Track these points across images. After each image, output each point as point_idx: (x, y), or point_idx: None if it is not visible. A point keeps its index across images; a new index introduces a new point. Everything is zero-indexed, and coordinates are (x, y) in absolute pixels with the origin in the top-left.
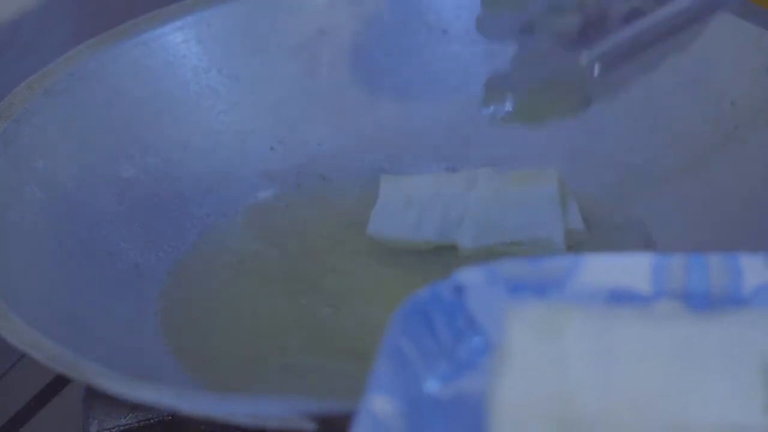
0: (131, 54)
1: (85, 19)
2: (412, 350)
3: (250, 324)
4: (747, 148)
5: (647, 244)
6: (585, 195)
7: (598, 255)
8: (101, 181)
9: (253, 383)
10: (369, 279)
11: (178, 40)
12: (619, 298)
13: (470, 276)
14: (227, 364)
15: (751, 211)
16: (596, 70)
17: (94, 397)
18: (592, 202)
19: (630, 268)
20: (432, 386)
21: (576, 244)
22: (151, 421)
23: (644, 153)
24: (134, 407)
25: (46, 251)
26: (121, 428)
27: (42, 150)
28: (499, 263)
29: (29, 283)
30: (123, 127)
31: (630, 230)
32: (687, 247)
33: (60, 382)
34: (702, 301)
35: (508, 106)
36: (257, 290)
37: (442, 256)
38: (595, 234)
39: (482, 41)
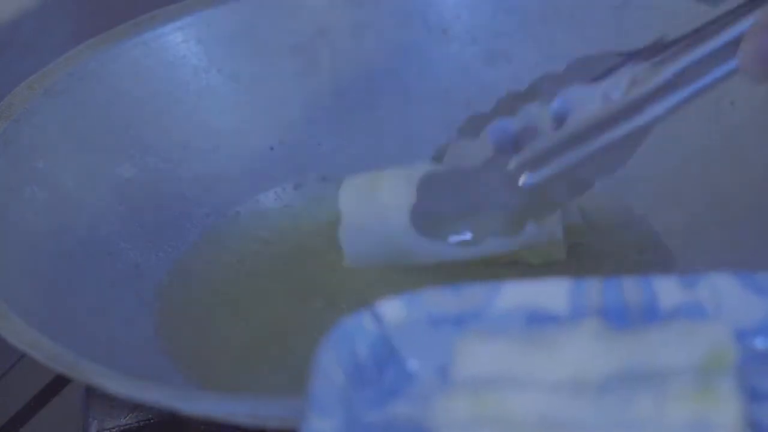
0: (131, 54)
1: (85, 19)
2: (341, 377)
3: (249, 324)
4: (747, 148)
5: (647, 243)
6: (585, 195)
7: (517, 281)
8: (101, 181)
9: (252, 383)
10: (369, 278)
11: (178, 40)
12: (537, 319)
13: (390, 307)
14: (227, 364)
15: (751, 210)
16: (523, 178)
17: (94, 397)
18: (592, 201)
19: (547, 292)
20: (362, 412)
21: (576, 244)
22: (151, 421)
23: (644, 153)
24: (134, 407)
25: (46, 251)
26: (121, 428)
27: (42, 150)
28: (419, 293)
29: (29, 283)
30: (123, 127)
31: (630, 230)
32: (687, 246)
33: (60, 382)
34: (620, 318)
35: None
36: (257, 290)
37: None
38: (596, 234)
39: (482, 41)
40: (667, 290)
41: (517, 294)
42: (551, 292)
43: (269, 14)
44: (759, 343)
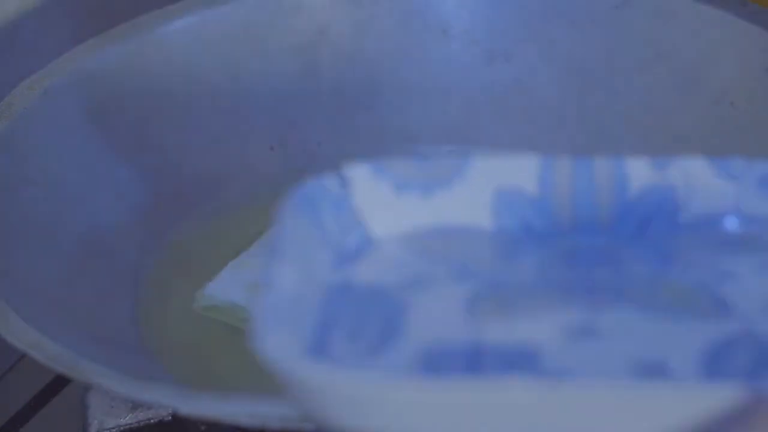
0: (131, 54)
1: (85, 19)
2: (302, 234)
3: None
4: (747, 149)
5: None
6: None
7: (485, 156)
8: (101, 181)
9: (251, 385)
10: None
11: (178, 40)
12: (506, 196)
13: (356, 170)
14: (227, 364)
15: None
16: None
17: (94, 397)
18: None
19: (517, 169)
20: (321, 271)
21: None
22: (151, 421)
23: (644, 153)
24: (134, 407)
25: (46, 251)
26: (121, 428)
27: (42, 150)
28: (386, 160)
29: (29, 283)
30: (123, 127)
31: None
32: None
33: (60, 382)
34: (588, 201)
35: None
36: None
37: None
38: None
39: (482, 41)
40: (639, 171)
41: (486, 168)
42: (521, 169)
43: (269, 14)
44: (730, 225)
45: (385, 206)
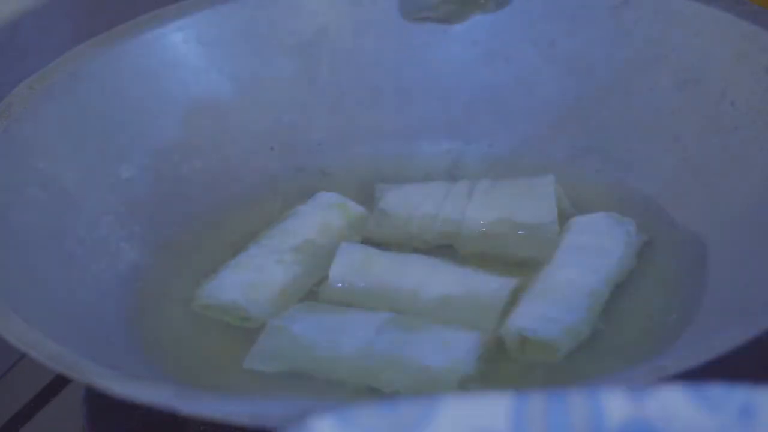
0: (131, 54)
1: (85, 19)
2: None
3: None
4: (747, 148)
5: (646, 243)
6: (585, 195)
7: (456, 397)
8: (101, 181)
9: (250, 385)
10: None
11: (178, 40)
12: None
13: (321, 422)
14: (227, 364)
15: (751, 211)
16: None
17: (94, 397)
18: (591, 202)
19: (488, 411)
20: None
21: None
22: (151, 421)
23: (644, 153)
24: (134, 407)
25: (46, 251)
26: (121, 428)
27: (42, 150)
28: (351, 408)
29: (29, 283)
30: (123, 127)
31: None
32: (686, 247)
33: (60, 382)
34: None
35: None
36: None
37: (443, 256)
38: None
39: (482, 41)
40: (615, 405)
41: (455, 414)
42: (492, 410)
43: (269, 14)
44: None
45: None
